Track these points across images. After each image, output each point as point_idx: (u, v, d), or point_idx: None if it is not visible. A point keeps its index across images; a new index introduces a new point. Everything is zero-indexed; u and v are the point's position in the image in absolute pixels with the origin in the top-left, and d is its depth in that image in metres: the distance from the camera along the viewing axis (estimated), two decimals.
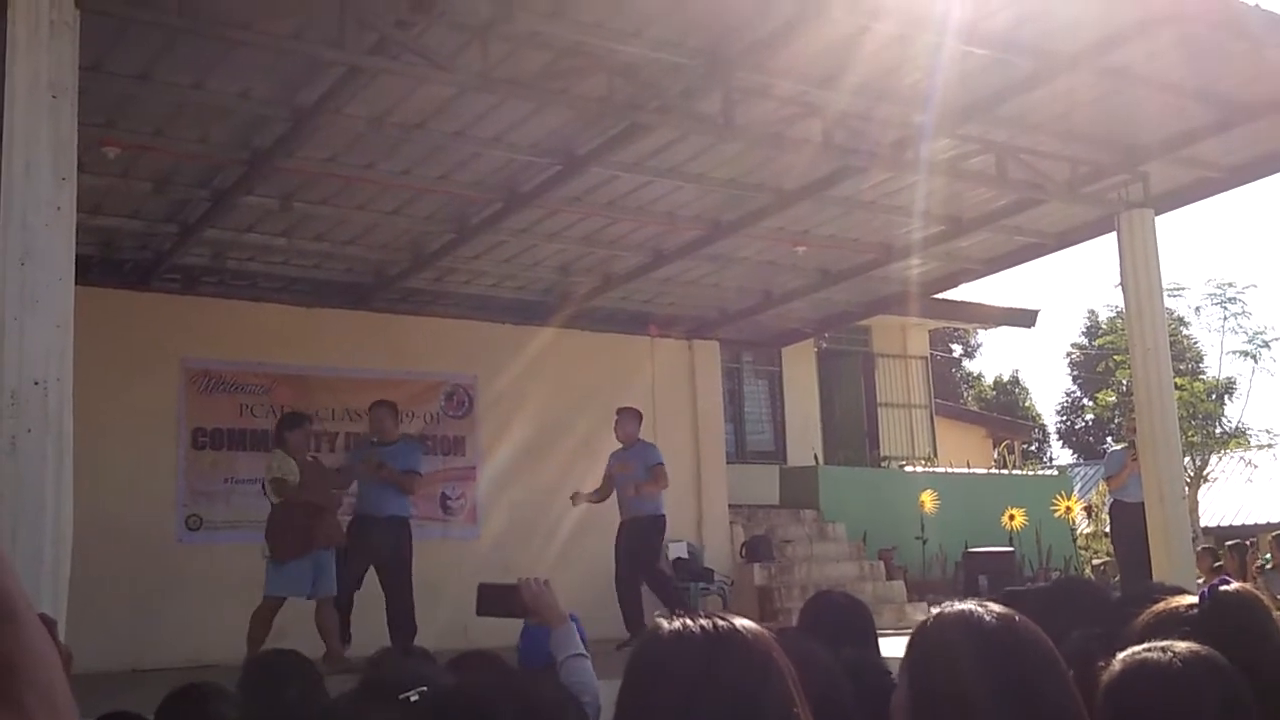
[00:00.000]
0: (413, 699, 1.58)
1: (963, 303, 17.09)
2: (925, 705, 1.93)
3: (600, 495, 10.18)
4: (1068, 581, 4.92)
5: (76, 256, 5.38)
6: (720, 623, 1.78)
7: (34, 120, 5.19)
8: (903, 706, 1.97)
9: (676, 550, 12.48)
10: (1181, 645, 2.06)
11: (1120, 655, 2.09)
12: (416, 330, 11.56)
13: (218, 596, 8.70)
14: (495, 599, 3.25)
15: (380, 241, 10.29)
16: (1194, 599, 2.43)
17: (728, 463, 13.78)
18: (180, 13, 5.85)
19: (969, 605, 2.02)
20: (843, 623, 3.52)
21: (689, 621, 1.78)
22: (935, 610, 2.08)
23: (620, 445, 10.19)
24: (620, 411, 10.22)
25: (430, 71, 6.77)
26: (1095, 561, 15.14)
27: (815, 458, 15.54)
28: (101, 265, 9.65)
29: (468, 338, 11.78)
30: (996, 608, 2.01)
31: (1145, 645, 2.09)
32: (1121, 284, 9.52)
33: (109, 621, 8.13)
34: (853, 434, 16.83)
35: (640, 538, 9.82)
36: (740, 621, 1.80)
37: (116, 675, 7.65)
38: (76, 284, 5.31)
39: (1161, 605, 2.54)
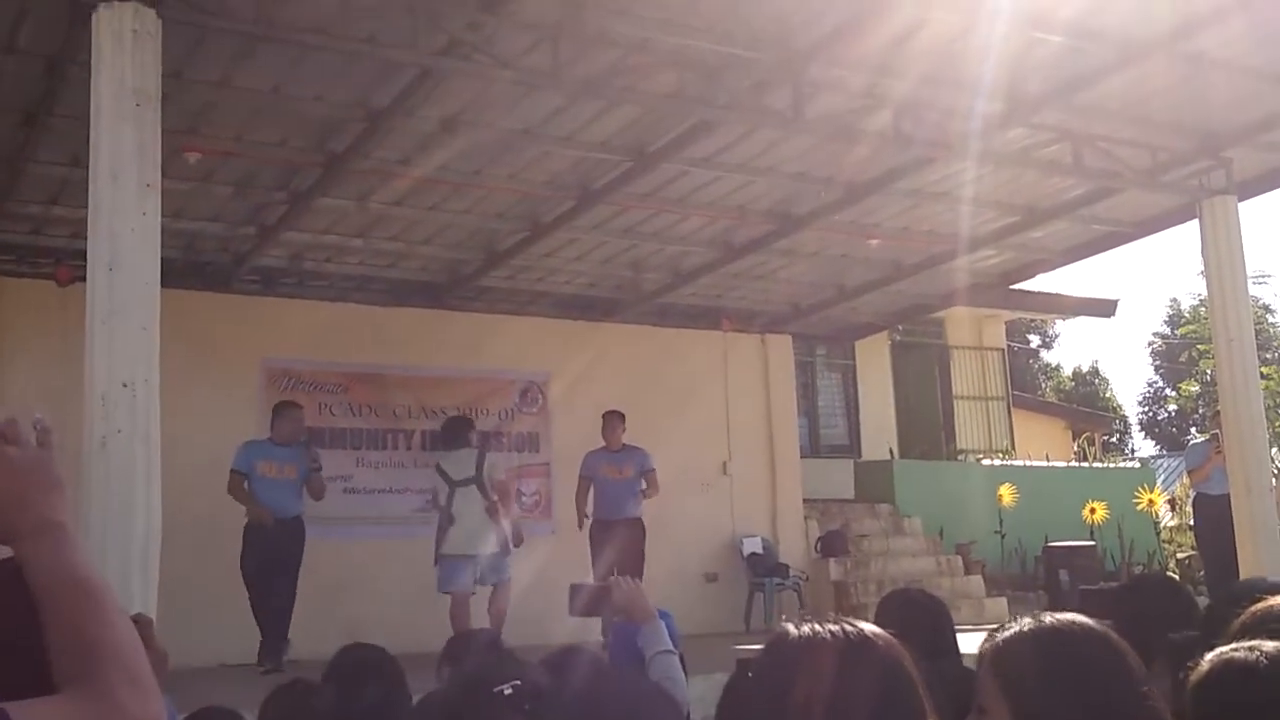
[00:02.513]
0: (507, 692, 1.61)
1: (1040, 293, 16.83)
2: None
3: (589, 502, 10.12)
4: (1144, 579, 4.82)
5: (160, 260, 5.51)
6: (850, 629, 1.75)
7: (119, 128, 5.33)
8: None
9: (750, 545, 12.48)
10: (1270, 644, 2.02)
11: (1209, 655, 2.05)
12: (490, 328, 11.66)
13: (302, 592, 8.83)
14: (588, 598, 3.30)
15: (454, 240, 10.40)
16: None
17: (802, 457, 13.73)
18: (257, 20, 5.97)
19: (1041, 620, 2.00)
20: (921, 622, 3.47)
21: (819, 626, 1.75)
22: (1005, 630, 2.05)
23: (603, 446, 10.11)
24: (607, 415, 10.15)
25: (500, 71, 6.83)
26: (1180, 555, 14.82)
27: (890, 452, 15.42)
28: (184, 268, 9.86)
29: (541, 335, 11.87)
30: (1068, 618, 1.99)
31: (1234, 645, 2.06)
32: (1204, 272, 9.35)
33: (197, 619, 8.30)
34: (928, 427, 16.67)
35: (638, 541, 9.81)
36: (870, 628, 1.77)
37: (204, 671, 7.82)
38: (160, 287, 5.45)
39: (1262, 605, 2.50)
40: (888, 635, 1.77)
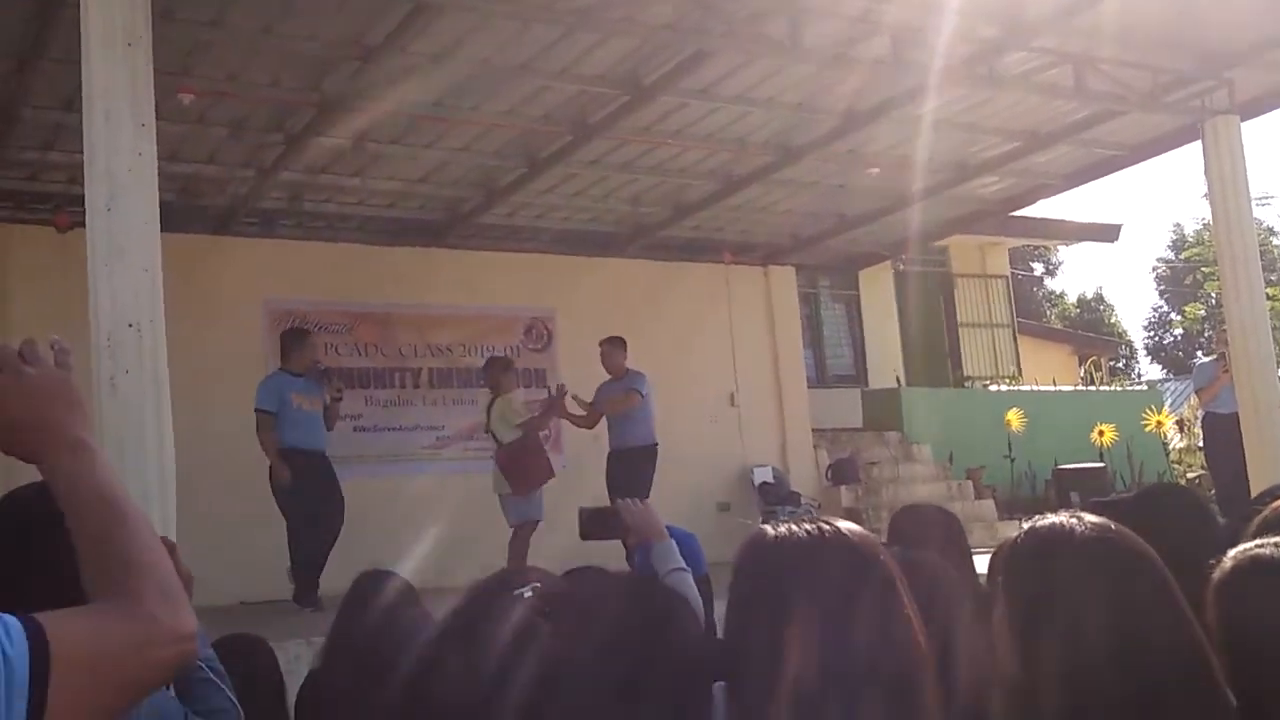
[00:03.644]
0: (526, 594, 1.64)
1: (1042, 219, 16.80)
2: (1024, 620, 1.90)
3: (585, 422, 9.99)
4: (1158, 488, 4.76)
5: (158, 201, 5.50)
6: (825, 526, 1.76)
7: (111, 69, 5.30)
8: (1002, 623, 1.92)
9: (762, 475, 12.56)
10: None
11: (1230, 553, 2.02)
12: (492, 265, 11.65)
13: None
14: (597, 522, 3.33)
15: (452, 178, 10.36)
16: None
17: (809, 387, 13.77)
18: None
19: (1060, 517, 1.98)
20: (933, 535, 3.45)
21: (794, 526, 1.77)
22: (1025, 524, 2.04)
23: (609, 377, 9.99)
24: (604, 342, 9.96)
25: (495, 4, 6.77)
26: (1190, 475, 14.88)
27: (897, 380, 15.45)
28: (182, 211, 9.82)
29: (544, 271, 11.86)
30: (1090, 517, 1.97)
31: (1257, 541, 2.02)
32: (1208, 193, 9.30)
33: (213, 556, 8.35)
34: (934, 355, 16.68)
35: (630, 471, 9.55)
36: (845, 525, 1.78)
37: (225, 609, 7.90)
38: (160, 229, 5.44)
39: (1278, 503, 2.50)
40: (864, 532, 1.79)
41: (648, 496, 9.19)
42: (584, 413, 9.91)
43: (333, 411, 8.86)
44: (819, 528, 1.76)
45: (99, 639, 1.22)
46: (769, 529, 1.81)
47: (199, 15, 6.93)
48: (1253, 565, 1.96)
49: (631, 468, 9.61)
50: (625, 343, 9.95)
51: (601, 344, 9.97)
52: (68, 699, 1.16)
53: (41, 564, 1.36)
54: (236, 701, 2.35)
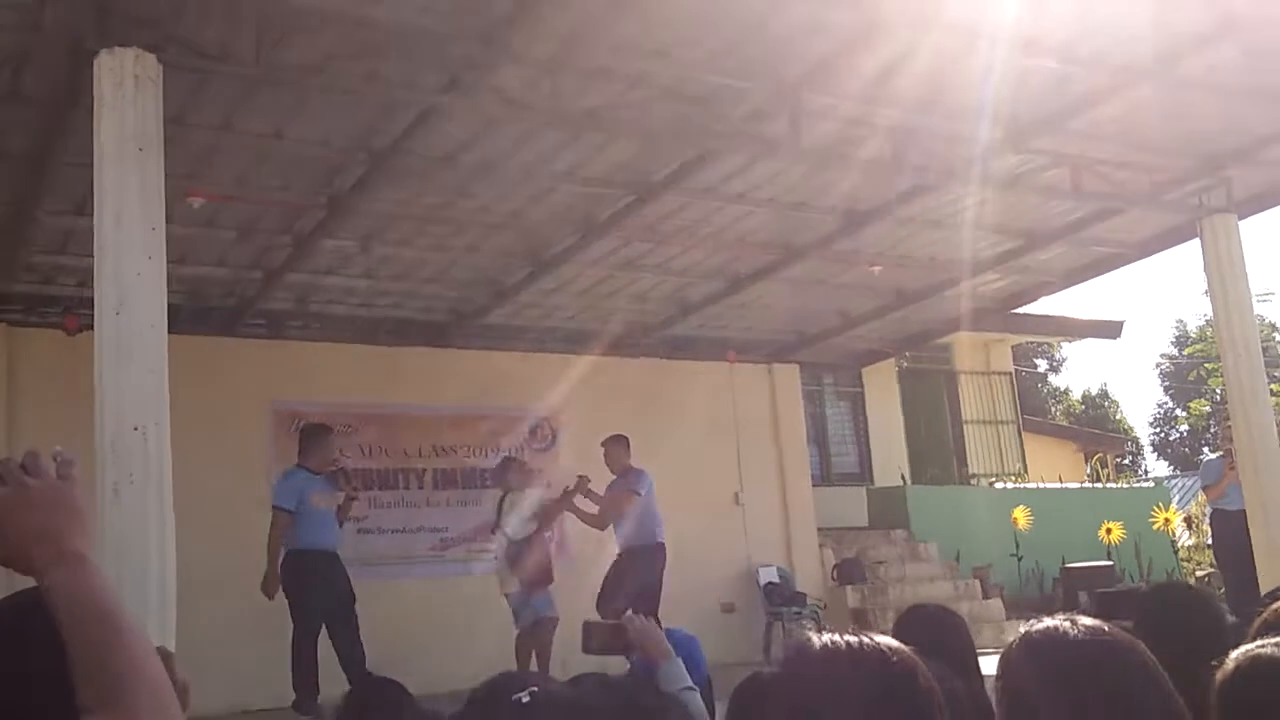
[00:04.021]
0: (524, 700, 1.63)
1: (1045, 316, 16.86)
2: None
3: (595, 522, 9.85)
4: (1168, 586, 4.69)
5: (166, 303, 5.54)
6: (866, 640, 1.75)
7: (122, 173, 5.37)
8: None
9: (767, 575, 12.46)
10: None
11: (1233, 654, 2.02)
12: (497, 365, 11.68)
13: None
14: (601, 636, 3.30)
15: (459, 279, 10.44)
16: None
17: (813, 486, 13.71)
18: (258, 63, 6.01)
19: (1056, 620, 1.99)
20: (938, 638, 3.42)
21: (836, 637, 1.76)
22: (1023, 628, 2.05)
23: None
24: (605, 442, 9.87)
25: (501, 109, 6.88)
26: (1199, 573, 14.75)
27: (902, 477, 15.39)
28: (190, 313, 9.90)
29: (548, 371, 11.86)
30: (1086, 620, 1.97)
31: (1259, 642, 2.02)
32: (1208, 290, 9.35)
33: (214, 664, 8.27)
34: (939, 452, 16.65)
35: (631, 570, 9.43)
36: (887, 641, 1.78)
37: (226, 717, 7.77)
38: (167, 332, 5.47)
39: (1278, 604, 2.49)
40: (904, 649, 1.77)
41: (653, 595, 9.15)
42: (594, 510, 9.85)
43: (344, 510, 8.73)
44: (860, 641, 1.75)
45: None
46: (814, 637, 1.79)
47: (210, 120, 7.04)
48: (1253, 666, 1.95)
49: (631, 567, 9.51)
50: (627, 440, 9.88)
51: (603, 443, 9.93)
52: None
53: (39, 674, 1.34)
54: None
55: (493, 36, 6.30)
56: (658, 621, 9.26)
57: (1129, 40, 6.93)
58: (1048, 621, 1.99)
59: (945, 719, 1.71)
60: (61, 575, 1.34)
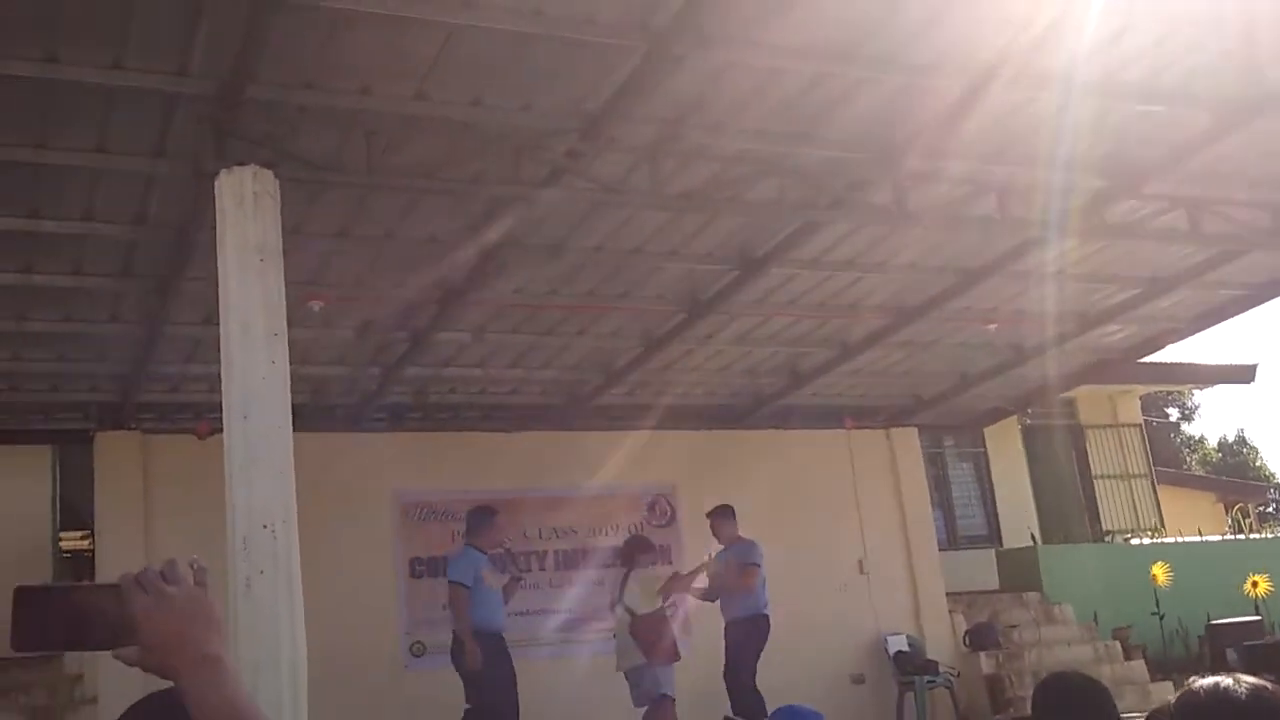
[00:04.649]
0: None
1: (1173, 364, 16.38)
2: None
3: (707, 595, 9.94)
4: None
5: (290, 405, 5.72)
6: (1264, 686, 1.72)
7: (245, 283, 5.60)
8: None
9: (896, 644, 12.18)
10: None
11: None
12: (613, 445, 11.71)
13: (445, 717, 8.87)
14: None
15: (571, 362, 10.56)
16: None
17: (940, 550, 13.42)
18: (370, 170, 6.23)
19: (1218, 679, 1.90)
20: (1081, 706, 3.30)
21: (1228, 680, 1.73)
22: (1181, 690, 1.96)
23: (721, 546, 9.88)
24: (711, 514, 9.94)
25: (603, 195, 7.00)
26: None
27: (1032, 537, 14.98)
28: (313, 411, 10.17)
29: (664, 448, 11.88)
30: (1249, 679, 1.89)
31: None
32: None
33: None
34: (1069, 510, 16.18)
35: (737, 642, 9.55)
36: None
37: None
38: (292, 431, 5.64)
39: None
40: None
41: (753, 666, 9.10)
42: (705, 584, 9.86)
43: (510, 590, 8.92)
44: (1258, 687, 1.72)
45: None
46: (1203, 681, 1.77)
47: (326, 229, 7.30)
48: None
49: (748, 638, 9.54)
50: (733, 510, 9.93)
51: (709, 515, 9.99)
52: None
53: None
54: None
55: (590, 129, 6.43)
56: (757, 691, 9.15)
57: (1243, 75, 6.77)
58: (1207, 680, 1.90)
59: None
60: (200, 679, 1.40)
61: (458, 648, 8.47)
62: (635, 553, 9.58)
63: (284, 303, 5.75)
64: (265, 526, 5.39)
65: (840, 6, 5.78)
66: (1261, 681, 1.86)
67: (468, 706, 8.44)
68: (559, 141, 6.55)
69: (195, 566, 1.50)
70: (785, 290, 9.44)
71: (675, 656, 9.15)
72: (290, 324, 5.91)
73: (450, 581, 8.60)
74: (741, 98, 6.43)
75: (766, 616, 9.65)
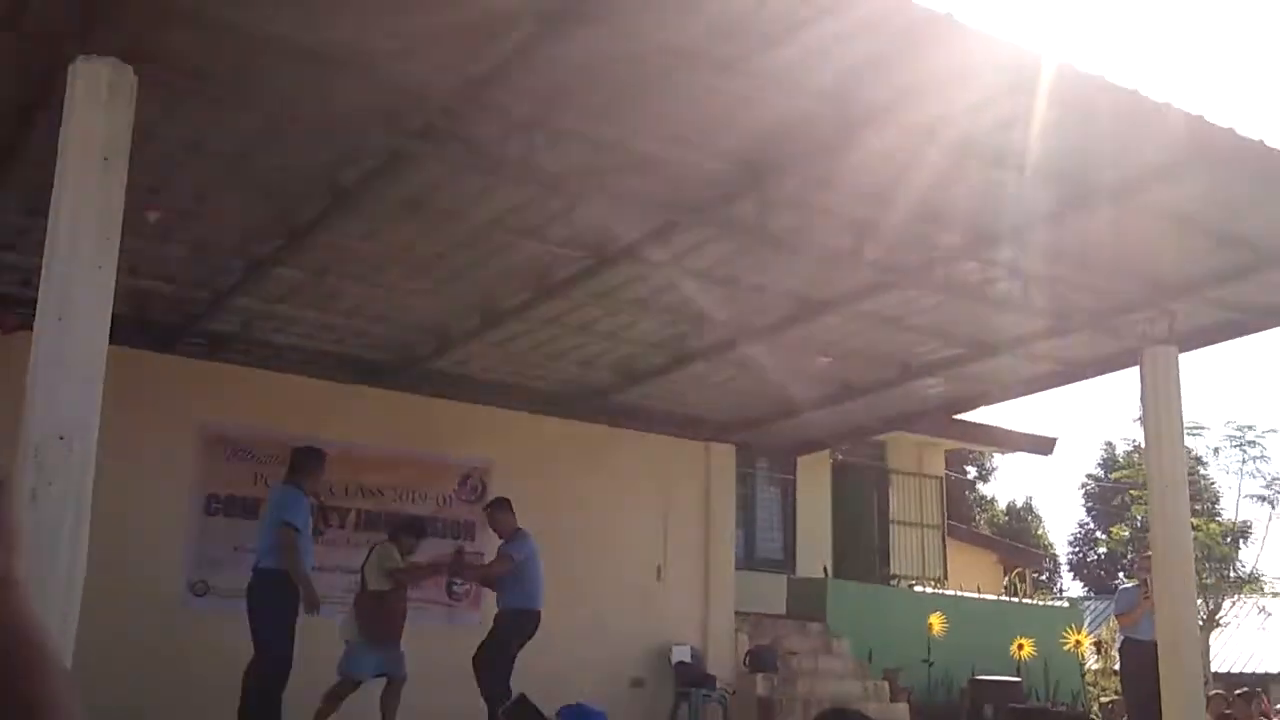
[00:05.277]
0: None
1: (982, 425, 17.05)
2: None
3: (486, 582, 10.11)
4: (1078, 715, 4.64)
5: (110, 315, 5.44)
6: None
7: (83, 181, 5.30)
8: None
9: (679, 654, 12.35)
10: None
11: None
12: (434, 412, 11.58)
13: (220, 663, 8.60)
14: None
15: (408, 322, 10.36)
16: None
17: (736, 568, 13.67)
18: (235, 86, 5.98)
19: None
20: None
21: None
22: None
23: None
24: (486, 508, 10.11)
25: (472, 160, 6.88)
26: (1104, 699, 14.83)
27: (825, 570, 15.39)
28: (130, 326, 9.71)
29: (485, 424, 11.79)
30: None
31: None
32: (1142, 419, 9.50)
33: (109, 681, 8.05)
34: (863, 549, 16.69)
35: (497, 633, 9.61)
36: None
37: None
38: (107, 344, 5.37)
39: None
40: None
41: (506, 662, 9.15)
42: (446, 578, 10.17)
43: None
44: None
45: None
46: None
47: (180, 135, 6.97)
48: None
49: (498, 630, 9.58)
50: (509, 502, 9.95)
51: (484, 509, 10.07)
52: None
53: None
54: None
55: (470, 92, 6.31)
56: (508, 691, 9.28)
57: (1102, 161, 7.08)
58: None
59: None
60: None
61: (265, 589, 8.25)
62: (400, 529, 9.56)
63: (121, 208, 5.46)
64: (61, 437, 5.11)
65: (733, 20, 5.80)
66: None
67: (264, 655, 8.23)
68: (438, 96, 6.41)
69: None
70: (633, 288, 9.45)
71: (386, 640, 9.09)
72: (123, 231, 5.62)
73: (284, 523, 8.38)
74: (628, 90, 6.41)
75: (537, 612, 9.65)
